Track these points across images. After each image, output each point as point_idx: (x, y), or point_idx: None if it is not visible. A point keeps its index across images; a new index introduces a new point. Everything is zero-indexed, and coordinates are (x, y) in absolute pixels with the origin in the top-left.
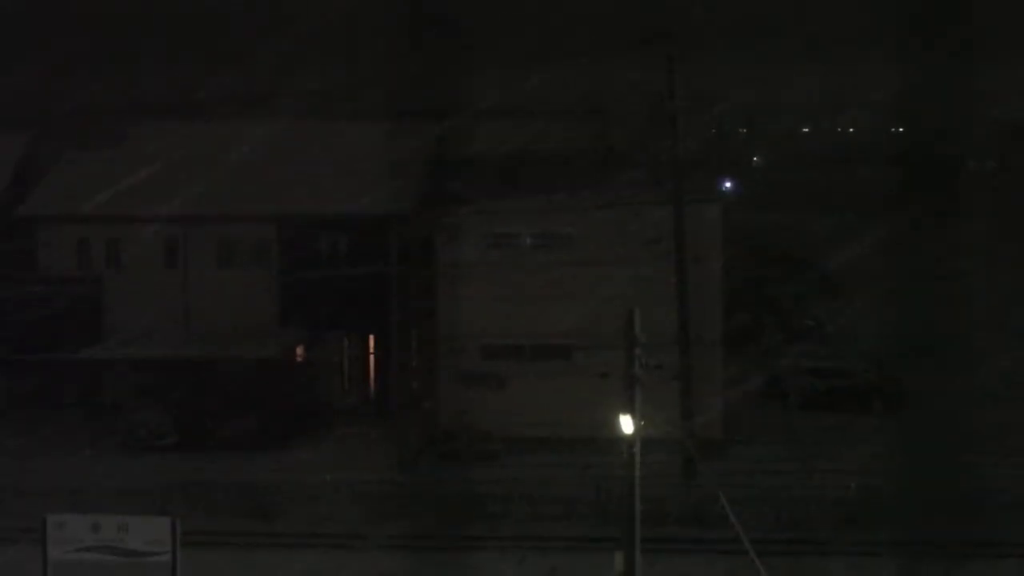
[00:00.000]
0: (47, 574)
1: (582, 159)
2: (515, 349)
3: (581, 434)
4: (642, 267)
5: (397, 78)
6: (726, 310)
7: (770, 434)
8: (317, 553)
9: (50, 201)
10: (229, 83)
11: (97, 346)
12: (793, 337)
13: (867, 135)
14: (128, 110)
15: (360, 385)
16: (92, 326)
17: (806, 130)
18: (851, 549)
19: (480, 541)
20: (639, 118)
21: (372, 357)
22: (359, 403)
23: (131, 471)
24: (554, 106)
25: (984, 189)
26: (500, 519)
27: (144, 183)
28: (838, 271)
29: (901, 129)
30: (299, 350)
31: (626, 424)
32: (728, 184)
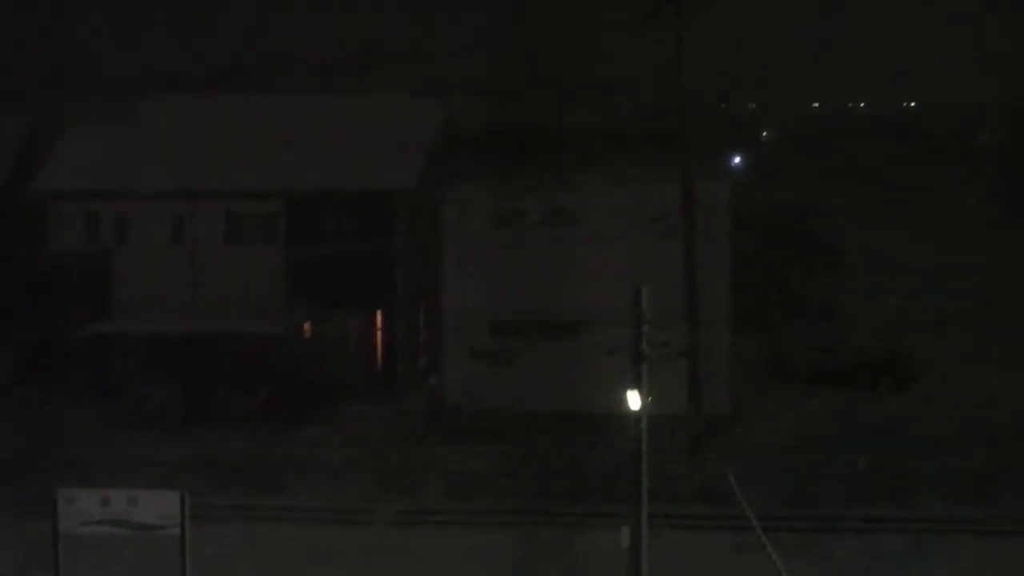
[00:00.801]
0: (57, 548)
1: (590, 135)
2: (522, 325)
3: (588, 410)
4: (650, 244)
5: (404, 53)
6: (734, 287)
7: (777, 411)
8: (324, 527)
9: (58, 176)
10: (237, 58)
11: (105, 321)
12: (801, 314)
13: (879, 110)
14: (137, 85)
15: (367, 361)
16: (100, 301)
17: (816, 105)
18: (858, 526)
19: (487, 516)
20: (647, 94)
21: (379, 333)
22: (366, 379)
23: (139, 446)
24: (562, 82)
25: (996, 164)
26: (507, 494)
27: (152, 158)
28: (847, 248)
29: (914, 104)
30: (306, 326)
31: (633, 400)
32: (737, 160)
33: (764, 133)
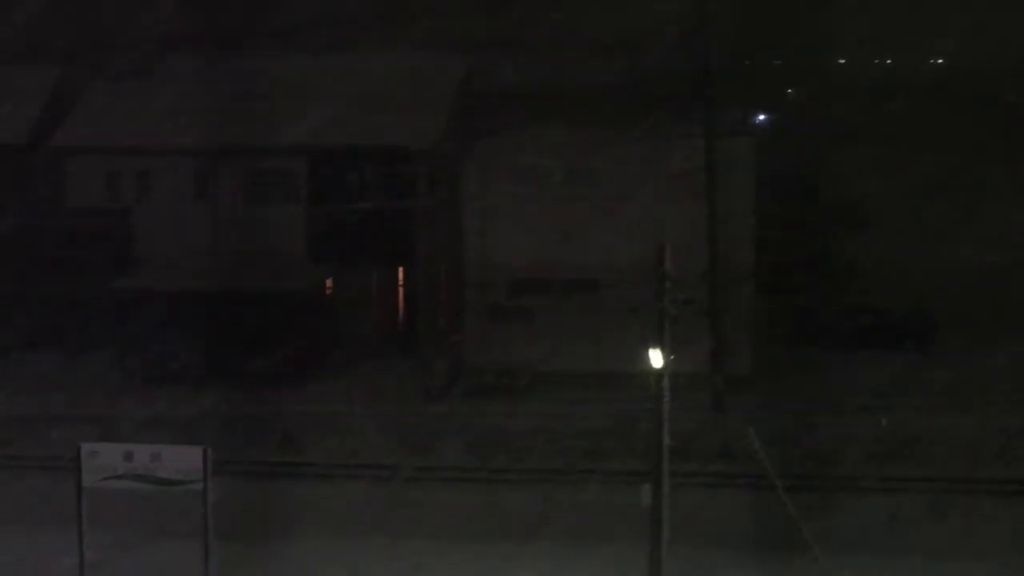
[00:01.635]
0: (80, 502)
1: (613, 91)
2: (543, 283)
3: (609, 369)
4: (672, 201)
5: (426, 8)
6: (757, 245)
7: (800, 370)
8: (344, 484)
9: (80, 133)
10: (259, 14)
11: (126, 278)
12: (825, 273)
13: (906, 67)
14: (158, 41)
15: (388, 318)
16: (121, 258)
17: (842, 62)
18: (880, 486)
19: (506, 474)
20: (671, 50)
21: (400, 290)
22: (387, 336)
23: (160, 402)
24: (584, 38)
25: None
26: (526, 453)
27: (174, 115)
28: (873, 207)
29: (941, 61)
30: (327, 283)
31: (655, 359)
32: (761, 118)
33: (789, 90)
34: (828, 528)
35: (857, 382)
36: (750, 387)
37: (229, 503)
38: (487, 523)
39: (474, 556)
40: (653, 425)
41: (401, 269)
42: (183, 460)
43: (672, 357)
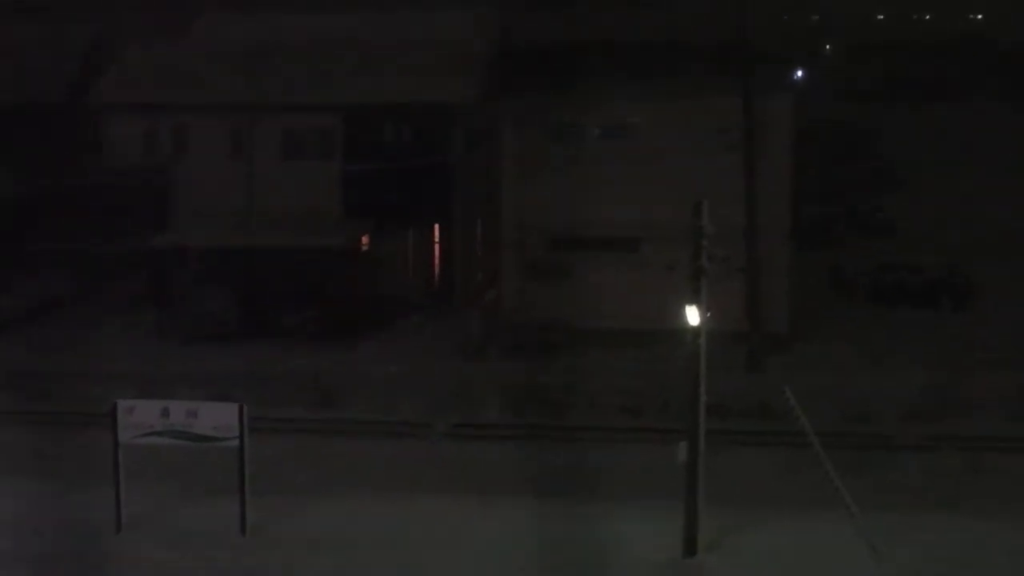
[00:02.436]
0: (117, 458)
1: (650, 47)
2: (580, 240)
3: (646, 326)
4: (710, 158)
5: None
6: (795, 203)
7: (837, 328)
8: (380, 440)
9: (116, 90)
10: None
11: (163, 235)
12: (863, 231)
13: (945, 22)
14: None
15: (425, 275)
16: (158, 215)
17: (881, 17)
18: (916, 444)
19: (543, 431)
20: (709, 4)
21: (436, 248)
22: (424, 293)
23: (196, 359)
24: None
25: None
26: (563, 410)
27: (209, 72)
28: (911, 164)
29: (980, 16)
30: (363, 240)
31: (692, 316)
32: (799, 74)
33: (828, 46)
34: (864, 485)
35: (895, 339)
36: (787, 344)
37: (266, 459)
38: (524, 479)
39: (512, 510)
40: (690, 382)
41: (438, 226)
42: (219, 416)
43: (709, 314)
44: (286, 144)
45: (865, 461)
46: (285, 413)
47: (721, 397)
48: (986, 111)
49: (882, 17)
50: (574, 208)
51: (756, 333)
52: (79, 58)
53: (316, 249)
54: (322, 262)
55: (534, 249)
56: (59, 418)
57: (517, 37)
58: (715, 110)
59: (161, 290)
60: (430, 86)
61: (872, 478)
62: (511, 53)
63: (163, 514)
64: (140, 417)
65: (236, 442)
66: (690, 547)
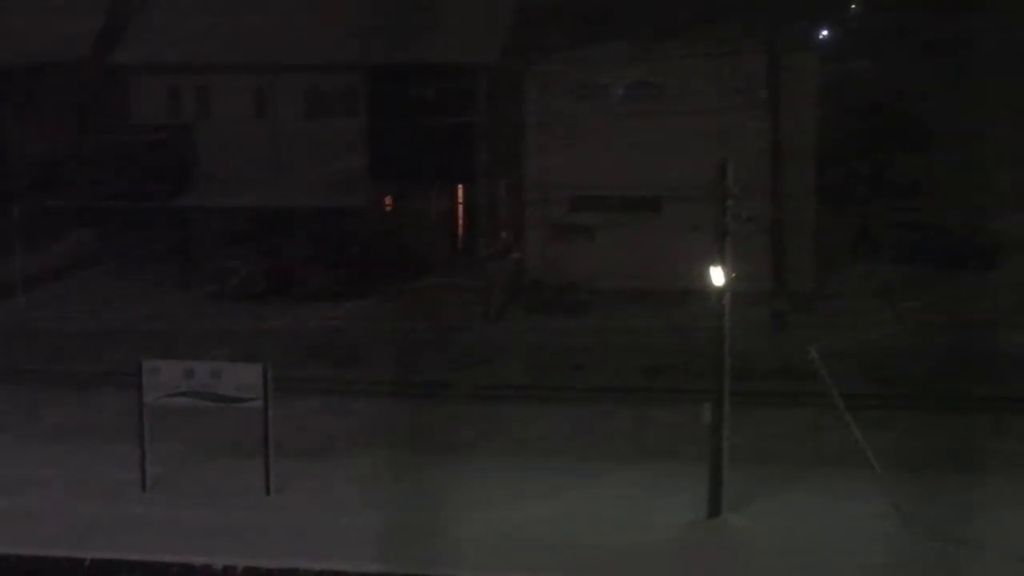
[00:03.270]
0: (142, 418)
1: (674, 5)
2: (604, 200)
3: (670, 286)
4: (735, 117)
5: None
6: (820, 162)
7: (861, 287)
8: (404, 400)
9: (140, 50)
10: None
11: (187, 195)
12: (888, 190)
13: None
14: None
15: (448, 235)
16: (182, 175)
17: None
18: (940, 404)
19: (566, 392)
20: None
21: (460, 207)
22: (447, 253)
23: (221, 319)
24: None
25: None
26: (587, 370)
27: (233, 31)
28: (937, 123)
29: None
30: (387, 200)
31: (717, 276)
32: (824, 33)
33: (853, 5)
34: (889, 446)
35: (920, 299)
36: (812, 304)
37: (289, 419)
38: (547, 440)
39: (535, 471)
40: (714, 343)
41: (462, 186)
42: (243, 377)
43: (734, 274)
44: (309, 103)
45: (890, 421)
46: (309, 373)
47: (746, 357)
48: (1017, 69)
49: None
50: (598, 168)
51: (781, 293)
52: (103, 16)
53: (340, 209)
54: (346, 222)
55: (557, 209)
56: (84, 378)
57: None
58: (740, 69)
59: (186, 250)
60: (455, 45)
61: (897, 438)
62: (536, 11)
63: (188, 474)
64: (165, 378)
65: (260, 402)
66: (715, 507)
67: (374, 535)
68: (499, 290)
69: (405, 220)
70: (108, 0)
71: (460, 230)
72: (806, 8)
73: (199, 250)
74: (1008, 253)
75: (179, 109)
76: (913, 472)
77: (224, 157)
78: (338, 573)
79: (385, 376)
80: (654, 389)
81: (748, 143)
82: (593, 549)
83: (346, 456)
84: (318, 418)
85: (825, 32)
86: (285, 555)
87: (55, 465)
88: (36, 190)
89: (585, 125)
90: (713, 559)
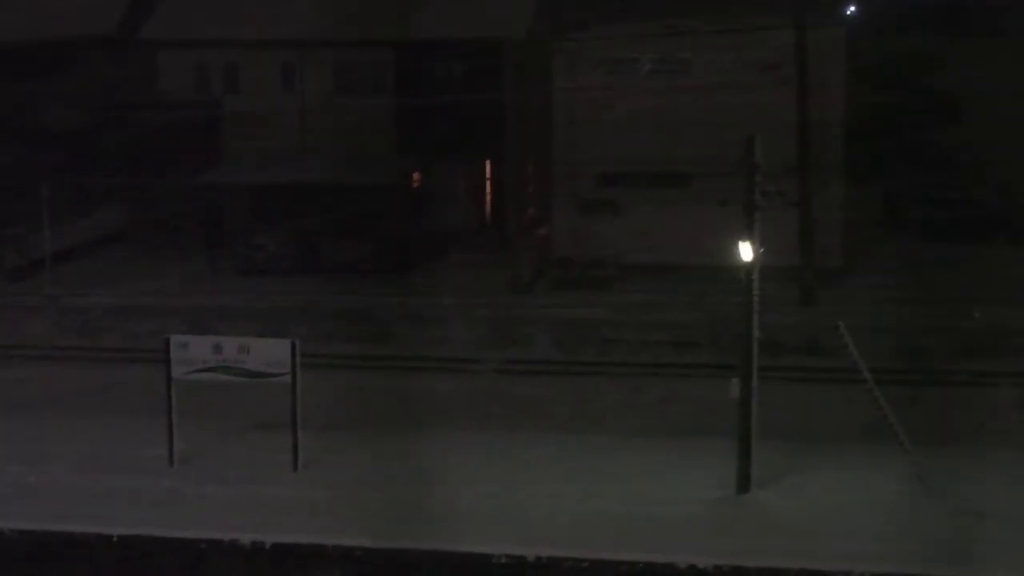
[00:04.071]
0: (170, 393)
1: None
2: (632, 176)
3: (698, 262)
4: (762, 92)
5: None
6: (848, 137)
7: (890, 263)
8: (432, 376)
9: (168, 25)
10: None
11: (215, 171)
12: (917, 165)
13: None
14: None
15: (476, 211)
16: (210, 151)
17: None
18: (971, 380)
19: (594, 367)
20: None
21: (488, 183)
22: (475, 229)
23: (248, 295)
24: None
25: None
26: (614, 345)
27: (261, 7)
28: (966, 98)
29: None
30: (415, 176)
31: (745, 251)
32: (852, 8)
33: None
34: (918, 421)
35: (949, 274)
36: (841, 279)
37: (317, 395)
38: (574, 415)
39: (562, 446)
40: (742, 318)
41: (489, 162)
42: (271, 352)
43: (761, 250)
44: (338, 79)
45: (918, 397)
46: (336, 349)
47: (774, 332)
48: None
49: None
50: (625, 144)
51: (809, 268)
52: None
53: (368, 186)
54: (374, 198)
55: (585, 185)
56: (112, 354)
57: None
58: (767, 43)
59: (215, 226)
60: (482, 21)
61: (926, 414)
62: None
63: (215, 449)
64: (193, 353)
65: (288, 378)
66: (743, 483)
67: (402, 511)
68: (527, 266)
69: (433, 196)
70: None
71: (488, 206)
72: None
73: (227, 226)
74: None
75: (207, 85)
76: (941, 447)
77: (252, 133)
78: (366, 549)
79: (413, 351)
80: (682, 364)
81: (776, 118)
82: (620, 525)
83: (374, 432)
84: (346, 393)
85: (853, 7)
86: (313, 531)
87: (82, 441)
88: (63, 166)
89: (613, 101)
90: (742, 535)
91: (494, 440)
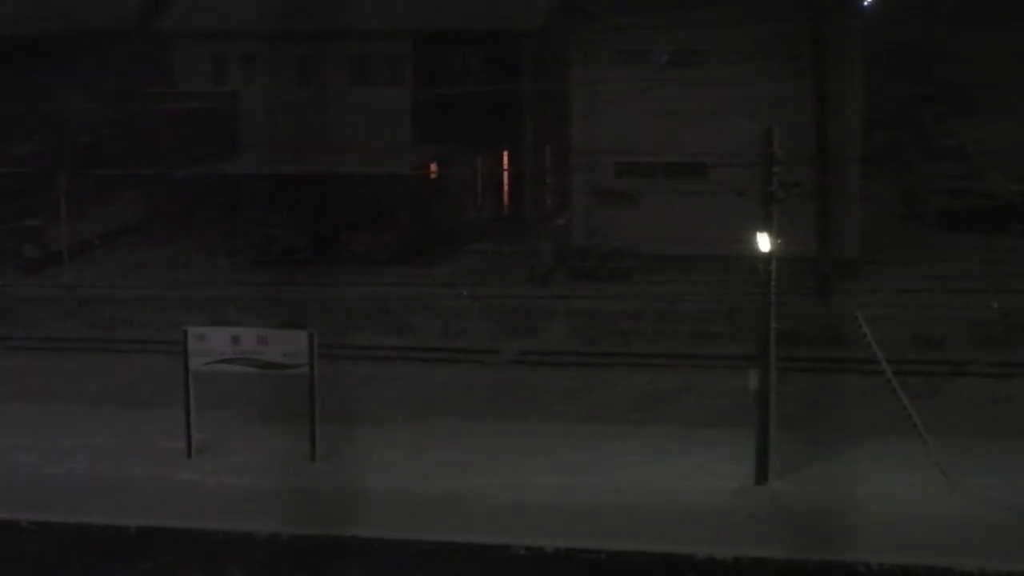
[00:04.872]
0: (188, 384)
1: None
2: (649, 166)
3: (716, 252)
4: (780, 83)
5: None
6: (866, 127)
7: (908, 253)
8: (449, 367)
9: (186, 15)
10: None
11: (232, 161)
12: (933, 155)
13: None
14: None
15: (493, 202)
16: (227, 141)
17: None
18: (989, 370)
19: (611, 357)
20: None
21: (505, 174)
22: (492, 219)
23: (266, 285)
24: None
25: None
26: (631, 336)
27: None
28: (983, 89)
29: None
30: (433, 166)
31: (763, 242)
32: None
33: None
34: (936, 412)
35: (966, 265)
36: (858, 270)
37: (335, 386)
38: (593, 406)
39: (579, 436)
40: (760, 309)
41: (507, 153)
42: (289, 343)
43: (779, 240)
44: (355, 69)
45: (936, 387)
46: (354, 339)
47: (792, 323)
48: None
49: None
50: (643, 134)
51: (827, 259)
52: None
53: (385, 176)
54: (391, 188)
55: (602, 175)
56: (130, 345)
57: None
58: (784, 34)
59: (232, 217)
60: (500, 12)
61: (944, 405)
62: None
63: (233, 440)
64: (211, 344)
65: (306, 369)
66: (762, 474)
67: (420, 502)
68: (544, 256)
69: (450, 186)
70: None
71: (505, 196)
72: None
73: (245, 216)
74: None
75: (225, 76)
76: (961, 439)
77: (269, 124)
78: (385, 541)
79: (431, 342)
80: (700, 355)
81: (793, 109)
82: (639, 515)
83: (393, 422)
84: (364, 384)
85: None
86: (331, 523)
87: (101, 432)
88: (81, 157)
89: (630, 91)
90: (760, 525)
91: (510, 432)
